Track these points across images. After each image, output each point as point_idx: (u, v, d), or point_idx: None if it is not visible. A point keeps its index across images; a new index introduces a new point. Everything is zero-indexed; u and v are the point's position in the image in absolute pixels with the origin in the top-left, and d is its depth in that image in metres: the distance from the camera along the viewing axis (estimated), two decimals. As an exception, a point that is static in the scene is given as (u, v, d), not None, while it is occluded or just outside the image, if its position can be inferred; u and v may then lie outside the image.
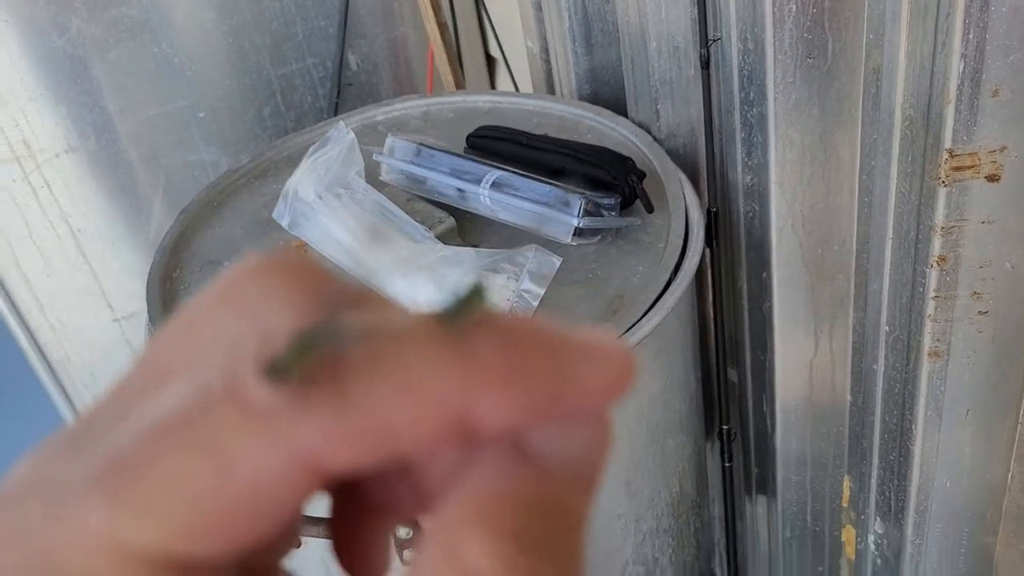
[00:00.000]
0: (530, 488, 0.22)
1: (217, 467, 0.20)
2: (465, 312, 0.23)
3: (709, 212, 0.84)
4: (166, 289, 0.84)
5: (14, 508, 0.21)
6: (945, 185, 0.66)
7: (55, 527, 0.20)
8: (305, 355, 0.21)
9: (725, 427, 0.95)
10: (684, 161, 0.88)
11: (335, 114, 1.16)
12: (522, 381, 0.22)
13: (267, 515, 0.21)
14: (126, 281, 1.15)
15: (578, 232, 0.79)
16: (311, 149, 0.84)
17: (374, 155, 0.88)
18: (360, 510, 0.28)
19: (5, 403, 1.50)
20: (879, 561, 0.92)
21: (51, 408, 1.24)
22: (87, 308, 1.17)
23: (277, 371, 0.20)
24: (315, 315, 0.23)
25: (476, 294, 0.23)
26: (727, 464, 0.97)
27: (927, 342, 0.74)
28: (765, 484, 1.01)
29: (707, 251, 0.87)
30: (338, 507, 0.28)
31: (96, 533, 0.20)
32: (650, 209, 0.82)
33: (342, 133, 0.84)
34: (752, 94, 0.76)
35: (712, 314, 0.93)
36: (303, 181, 0.82)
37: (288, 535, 0.27)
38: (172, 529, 0.20)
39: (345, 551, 0.29)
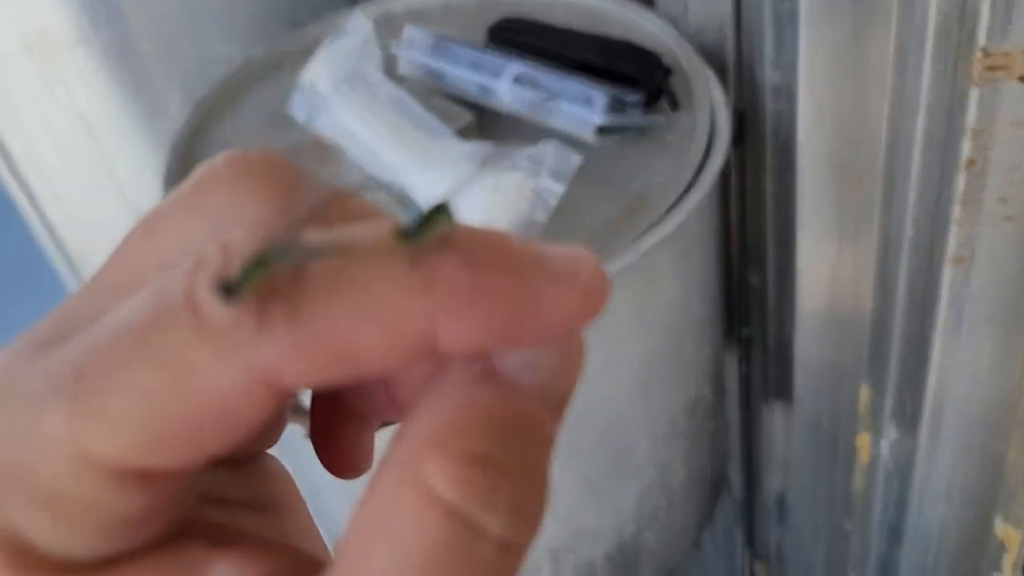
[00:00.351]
0: (493, 408, 0.21)
1: (176, 381, 0.20)
2: (432, 228, 0.21)
3: (736, 111, 0.82)
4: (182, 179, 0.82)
5: None
6: (977, 85, 0.64)
7: (19, 432, 0.20)
8: (258, 274, 0.20)
9: (744, 332, 0.95)
10: (712, 58, 0.86)
11: (352, 4, 1.13)
12: (488, 303, 0.21)
13: (227, 428, 0.21)
14: (143, 176, 1.14)
15: (600, 129, 0.77)
16: (327, 40, 0.82)
17: (392, 47, 0.86)
18: (340, 411, 0.28)
19: (24, 296, 1.50)
20: (892, 467, 0.92)
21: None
22: (104, 203, 1.16)
23: (230, 289, 0.20)
24: (281, 224, 0.22)
25: (443, 210, 0.22)
26: (745, 369, 0.96)
27: (951, 247, 0.73)
28: (782, 390, 1.00)
29: (732, 152, 0.85)
30: (318, 407, 0.28)
31: (58, 441, 0.20)
32: (675, 107, 0.80)
33: (359, 23, 0.82)
34: (784, -10, 0.74)
35: (735, 217, 0.92)
36: (319, 73, 0.80)
37: (267, 431, 0.27)
38: (132, 440, 0.20)
39: (325, 449, 0.29)
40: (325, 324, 0.20)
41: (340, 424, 0.28)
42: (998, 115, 0.65)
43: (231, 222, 0.23)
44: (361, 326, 0.20)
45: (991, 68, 0.63)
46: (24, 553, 0.20)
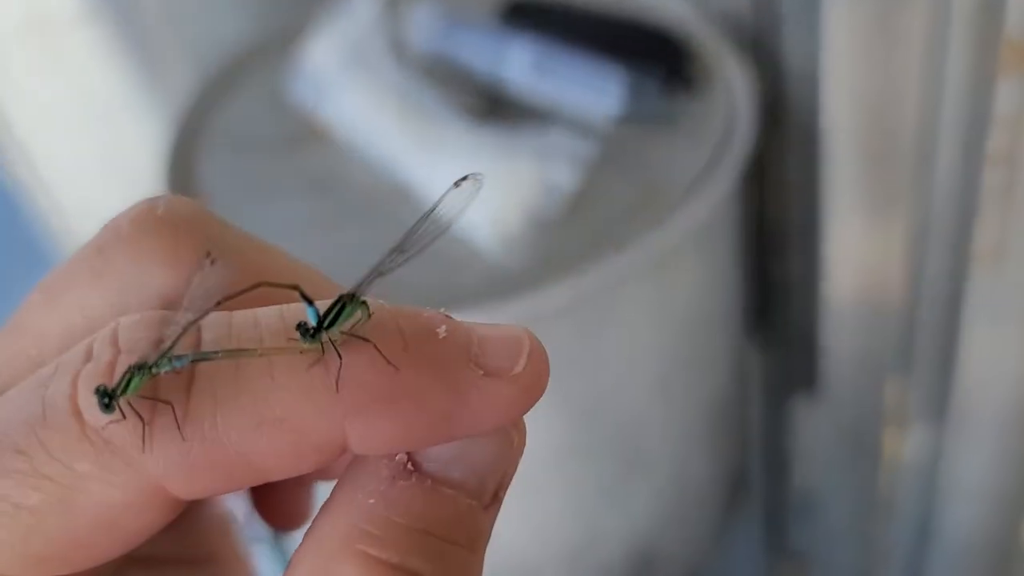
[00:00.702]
0: (414, 509, 0.19)
1: (58, 496, 0.19)
2: (342, 322, 0.20)
3: (761, 96, 0.79)
4: (186, 165, 0.80)
5: None
6: (1006, 74, 0.61)
7: None
8: (140, 381, 0.19)
9: (768, 323, 0.92)
10: (735, 41, 0.82)
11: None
12: (406, 406, 0.19)
13: (119, 538, 0.20)
14: (150, 157, 1.13)
15: (618, 115, 0.74)
16: (334, 19, 0.80)
17: (401, 29, 0.83)
18: None
19: (30, 276, 1.49)
20: (920, 463, 0.90)
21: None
22: (111, 184, 1.14)
23: (110, 396, 0.19)
24: (181, 294, 0.21)
25: (355, 304, 0.20)
26: (768, 363, 0.94)
27: (981, 239, 0.70)
28: (807, 384, 0.98)
29: (757, 139, 0.82)
30: None
31: None
32: (697, 92, 0.77)
33: (368, 3, 0.79)
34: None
35: (758, 205, 0.90)
36: (324, 55, 0.78)
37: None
38: (16, 560, 0.19)
39: (262, 502, 0.27)
40: (214, 435, 0.19)
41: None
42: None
43: (134, 289, 0.22)
44: (257, 436, 0.19)
45: (1020, 58, 0.60)
46: None
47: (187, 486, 0.19)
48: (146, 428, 0.19)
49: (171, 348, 0.19)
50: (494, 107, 0.78)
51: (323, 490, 0.28)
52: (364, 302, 0.20)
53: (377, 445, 0.19)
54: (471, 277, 0.67)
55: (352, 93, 0.76)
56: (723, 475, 0.94)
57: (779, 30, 0.77)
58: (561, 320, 0.68)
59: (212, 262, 0.21)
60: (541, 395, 0.20)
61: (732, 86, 0.78)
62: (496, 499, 0.21)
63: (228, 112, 0.85)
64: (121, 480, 0.19)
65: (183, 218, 0.23)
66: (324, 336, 0.19)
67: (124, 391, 0.19)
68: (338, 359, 0.19)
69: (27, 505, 0.19)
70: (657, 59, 0.77)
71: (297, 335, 0.19)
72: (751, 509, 1.07)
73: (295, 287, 0.21)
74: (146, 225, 0.22)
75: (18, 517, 0.19)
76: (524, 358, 0.20)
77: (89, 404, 0.19)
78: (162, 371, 0.19)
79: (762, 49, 0.79)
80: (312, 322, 0.19)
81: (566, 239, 0.69)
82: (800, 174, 0.84)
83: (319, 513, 0.20)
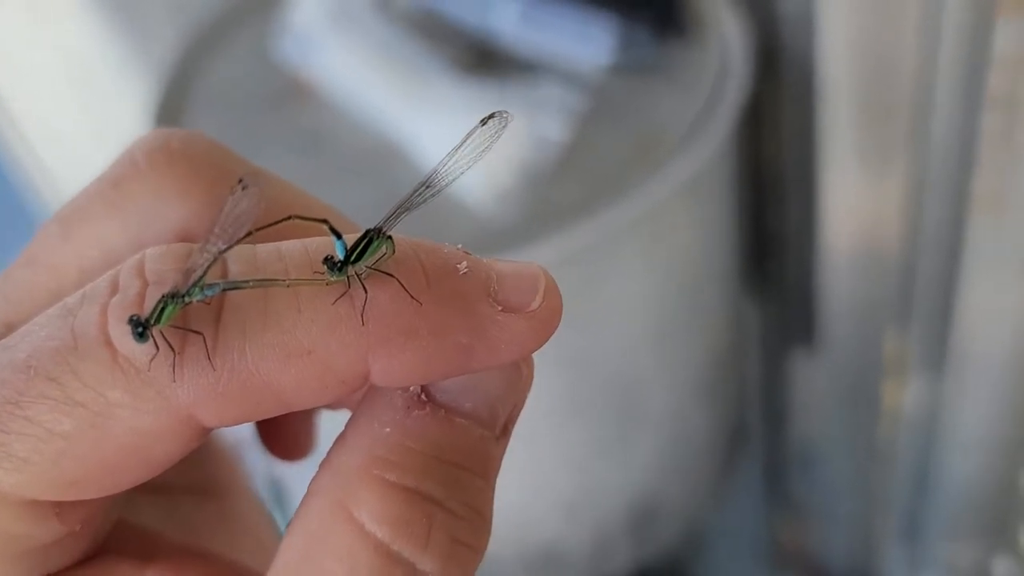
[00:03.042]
0: (429, 436, 0.20)
1: (89, 422, 0.19)
2: (366, 257, 0.20)
3: (754, 42, 0.78)
4: (172, 124, 0.78)
5: None
6: (1005, 15, 0.60)
7: None
8: (172, 311, 0.19)
9: (766, 276, 0.92)
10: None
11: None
12: (427, 340, 0.19)
13: (145, 465, 0.20)
14: (136, 115, 1.12)
15: (609, 65, 0.73)
16: (319, -26, 0.78)
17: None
18: None
19: (16, 236, 1.49)
20: (918, 414, 0.90)
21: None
22: (97, 144, 1.13)
23: (143, 326, 0.19)
24: (204, 229, 0.21)
25: (381, 239, 0.20)
26: (766, 315, 0.93)
27: (980, 188, 0.69)
28: (805, 336, 0.97)
29: (752, 87, 0.81)
30: None
31: None
32: (689, 39, 0.75)
33: (352, -44, 0.78)
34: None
35: (754, 155, 0.89)
36: (312, 10, 0.77)
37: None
38: (42, 480, 0.19)
39: (266, 432, 0.28)
40: (243, 365, 0.19)
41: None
42: (1026, 49, 0.61)
43: (151, 223, 0.22)
44: (284, 366, 0.19)
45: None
46: None
47: (216, 415, 0.19)
48: (176, 358, 0.19)
49: (202, 277, 0.20)
50: (483, 60, 0.77)
51: (327, 421, 0.28)
52: (389, 237, 0.20)
53: (399, 377, 0.20)
54: (462, 231, 0.67)
55: (339, 49, 0.75)
56: (722, 428, 0.94)
57: (772, -25, 0.76)
58: (555, 274, 0.68)
59: (244, 188, 0.21)
60: (554, 330, 0.20)
61: (725, 32, 0.76)
62: (506, 431, 0.21)
63: (214, 70, 0.84)
64: (152, 408, 0.19)
65: (199, 151, 0.23)
66: (350, 270, 0.20)
67: (157, 321, 0.19)
68: (364, 293, 0.19)
69: (59, 431, 0.19)
70: (648, 7, 0.76)
71: (323, 268, 0.20)
72: (751, 462, 1.07)
73: (324, 221, 0.22)
74: (163, 158, 0.22)
75: (51, 442, 0.19)
76: (540, 295, 0.20)
77: (120, 333, 0.19)
78: (194, 300, 0.19)
79: (755, -5, 0.78)
80: (339, 256, 0.20)
81: (558, 192, 0.68)
82: (796, 122, 0.83)
83: (335, 444, 0.20)
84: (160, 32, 1.05)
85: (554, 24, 0.74)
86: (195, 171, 0.23)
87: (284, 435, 0.28)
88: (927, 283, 0.81)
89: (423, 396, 0.20)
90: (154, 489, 0.25)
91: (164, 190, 0.22)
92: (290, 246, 0.20)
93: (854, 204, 0.85)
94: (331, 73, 0.76)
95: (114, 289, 0.20)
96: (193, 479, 0.27)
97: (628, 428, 0.83)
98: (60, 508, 0.20)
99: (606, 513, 0.86)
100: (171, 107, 0.81)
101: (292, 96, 0.78)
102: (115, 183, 0.23)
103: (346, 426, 0.21)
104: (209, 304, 0.19)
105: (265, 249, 0.20)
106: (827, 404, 1.01)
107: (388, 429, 0.20)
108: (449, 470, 0.20)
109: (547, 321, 0.20)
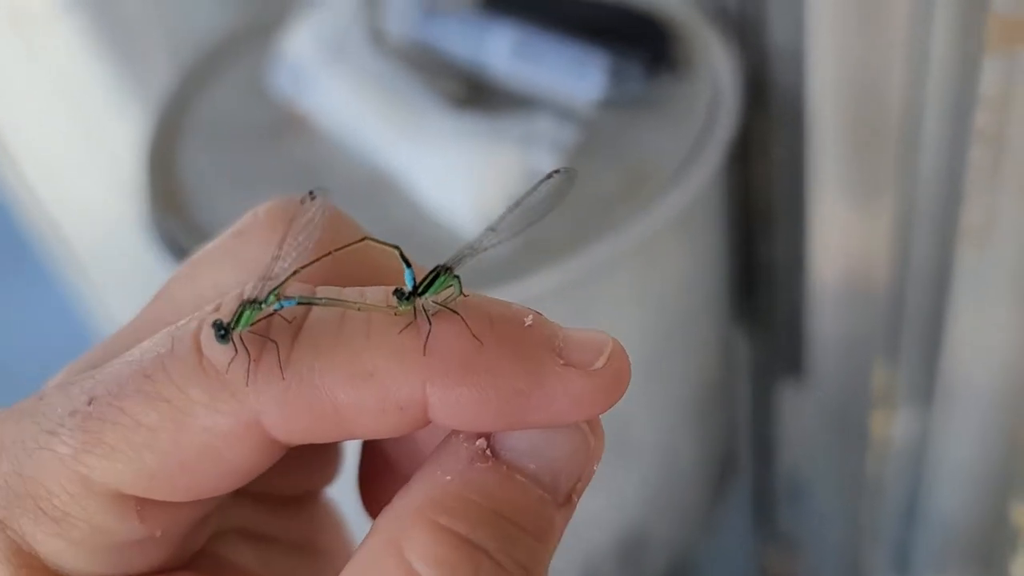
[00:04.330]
0: (486, 490, 0.20)
1: (170, 416, 0.21)
2: (435, 290, 0.21)
3: (745, 78, 0.79)
4: (166, 155, 0.80)
5: (24, 420, 0.22)
6: (992, 53, 0.60)
7: (36, 450, 0.21)
8: (247, 314, 0.21)
9: (755, 308, 0.92)
10: (720, 22, 0.82)
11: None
12: (486, 378, 0.20)
13: (218, 470, 0.21)
14: (130, 147, 1.12)
15: (601, 99, 0.73)
16: (313, 8, 0.79)
17: (380, 17, 0.82)
18: (383, 460, 0.27)
19: (12, 267, 1.48)
20: (906, 446, 0.90)
21: (58, 281, 1.21)
22: (93, 177, 1.13)
23: (225, 329, 0.21)
24: (311, 279, 0.23)
25: (449, 276, 0.22)
26: (755, 347, 0.94)
27: (967, 221, 0.69)
28: (794, 367, 0.98)
29: (741, 120, 0.82)
30: (366, 454, 0.28)
31: (64, 462, 0.21)
32: (680, 74, 0.76)
33: (346, -10, 0.79)
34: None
35: (743, 188, 0.89)
36: (303, 44, 0.77)
37: (320, 468, 0.28)
38: (127, 470, 0.21)
39: (368, 494, 0.28)
40: (310, 380, 0.20)
41: (382, 473, 0.28)
42: (1015, 85, 0.62)
43: (261, 271, 0.23)
44: (346, 385, 0.20)
45: (1006, 35, 0.60)
46: (29, 561, 0.21)
47: (280, 424, 0.21)
48: (252, 364, 0.21)
49: (279, 286, 0.22)
50: (475, 94, 0.78)
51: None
52: (457, 276, 0.22)
53: (456, 414, 0.20)
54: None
55: (332, 82, 0.75)
56: (711, 459, 0.94)
57: (763, 10, 0.77)
58: (546, 306, 0.68)
59: (312, 198, 0.24)
60: (619, 397, 0.21)
61: (716, 68, 0.77)
62: (570, 501, 0.22)
63: (208, 102, 0.84)
64: (226, 409, 0.20)
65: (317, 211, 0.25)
66: (417, 302, 0.21)
67: (236, 324, 0.21)
68: (428, 326, 0.20)
69: (146, 422, 0.21)
70: (639, 42, 0.76)
71: (393, 302, 0.21)
72: (739, 493, 1.07)
73: (396, 247, 0.23)
74: (280, 214, 0.24)
75: (137, 432, 0.21)
76: (605, 356, 0.21)
77: (209, 341, 0.21)
78: (271, 307, 0.21)
79: (746, 30, 0.78)
80: (408, 286, 0.21)
81: (550, 225, 0.68)
82: (785, 156, 0.84)
83: (401, 489, 0.21)
84: (155, 63, 1.06)
85: (546, 59, 0.75)
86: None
87: (383, 499, 0.29)
88: (915, 315, 0.81)
89: (488, 451, 0.21)
90: (259, 536, 0.27)
91: (275, 241, 0.24)
92: (374, 290, 0.22)
93: (843, 237, 0.85)
94: (325, 106, 0.76)
95: (216, 311, 0.22)
96: (298, 535, 0.28)
97: (617, 458, 0.83)
98: (142, 507, 0.21)
99: (595, 543, 0.86)
100: (165, 138, 0.81)
101: (286, 128, 0.78)
102: (237, 233, 0.25)
103: (413, 475, 0.21)
104: (291, 321, 0.21)
105: (350, 290, 0.22)
106: (816, 435, 1.01)
107: (449, 477, 0.21)
108: (503, 525, 0.20)
109: (610, 383, 0.21)
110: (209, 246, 0.25)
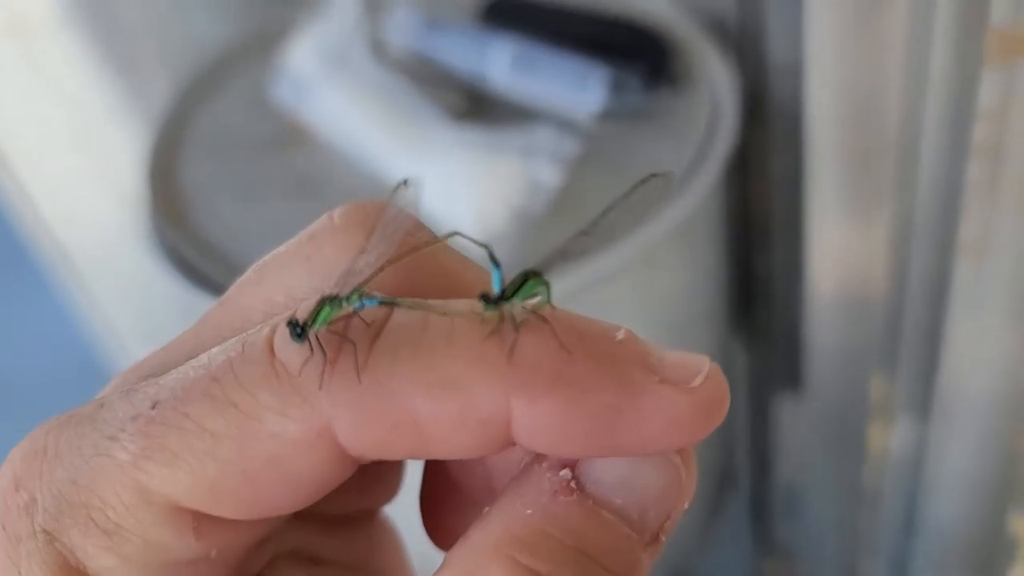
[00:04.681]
0: (570, 525, 0.19)
1: (237, 421, 0.19)
2: (523, 295, 0.20)
3: (743, 91, 0.79)
4: (167, 168, 0.80)
5: (83, 426, 0.21)
6: (990, 66, 0.61)
7: (93, 457, 0.20)
8: (325, 312, 0.20)
9: (753, 320, 0.92)
10: (718, 36, 0.82)
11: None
12: (575, 392, 0.18)
13: (285, 483, 0.20)
14: (131, 160, 1.12)
15: (601, 112, 0.74)
16: (313, 20, 0.79)
17: (382, 29, 0.82)
18: (448, 484, 0.26)
19: (11, 280, 1.48)
20: (904, 457, 0.90)
21: (58, 292, 1.21)
22: (92, 188, 1.13)
23: (301, 328, 0.20)
24: (384, 285, 0.22)
25: (538, 281, 0.20)
26: (753, 359, 0.94)
27: (965, 235, 0.69)
28: (792, 379, 0.98)
29: (740, 134, 0.82)
30: (429, 476, 0.26)
31: (122, 470, 0.20)
32: (680, 88, 0.76)
33: (347, 3, 0.79)
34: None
35: (742, 201, 0.89)
36: (304, 56, 0.77)
37: (382, 484, 0.26)
38: (189, 479, 0.20)
39: (431, 519, 0.26)
40: (388, 385, 0.19)
41: (447, 497, 0.26)
42: (1013, 98, 0.62)
43: (335, 273, 0.22)
44: (426, 392, 0.19)
45: (1004, 48, 0.60)
46: (76, 574, 0.20)
47: (354, 432, 0.19)
48: (327, 366, 0.19)
49: (364, 284, 0.20)
50: (476, 106, 0.78)
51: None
52: (546, 282, 0.20)
53: (540, 432, 0.19)
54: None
55: (333, 94, 0.76)
56: (709, 471, 0.94)
57: (762, 24, 0.77)
58: (546, 318, 0.68)
59: (406, 187, 0.23)
60: (717, 421, 0.19)
61: (715, 81, 0.77)
62: (657, 539, 0.20)
63: (209, 115, 0.84)
64: (296, 414, 0.19)
65: (389, 214, 0.24)
66: (504, 308, 0.19)
67: (313, 322, 0.20)
68: (514, 333, 0.19)
69: (211, 428, 0.19)
70: (639, 55, 0.76)
71: (479, 307, 0.20)
72: (737, 506, 1.07)
73: (486, 245, 0.22)
74: (356, 218, 0.23)
75: (201, 438, 0.19)
76: (703, 375, 0.19)
77: (283, 342, 0.20)
78: (351, 306, 0.20)
79: (745, 44, 0.79)
80: (496, 290, 0.20)
81: (550, 236, 0.69)
82: (783, 169, 0.84)
83: (477, 521, 0.20)
84: (155, 74, 1.06)
85: (547, 71, 0.75)
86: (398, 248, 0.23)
87: (446, 524, 0.26)
88: (913, 328, 0.81)
89: (573, 483, 0.19)
90: (313, 558, 0.25)
91: (351, 246, 0.23)
92: (459, 300, 0.21)
93: (840, 249, 0.85)
94: (326, 118, 0.76)
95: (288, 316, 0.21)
96: (355, 557, 0.26)
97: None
98: (199, 523, 0.20)
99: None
100: (166, 148, 0.81)
101: (287, 139, 0.79)
102: (311, 236, 0.23)
103: (492, 505, 0.20)
104: (370, 325, 0.20)
105: (435, 301, 0.21)
106: (813, 447, 1.01)
107: (530, 511, 0.19)
108: (586, 564, 0.19)
109: (710, 404, 0.19)
110: (278, 250, 0.24)
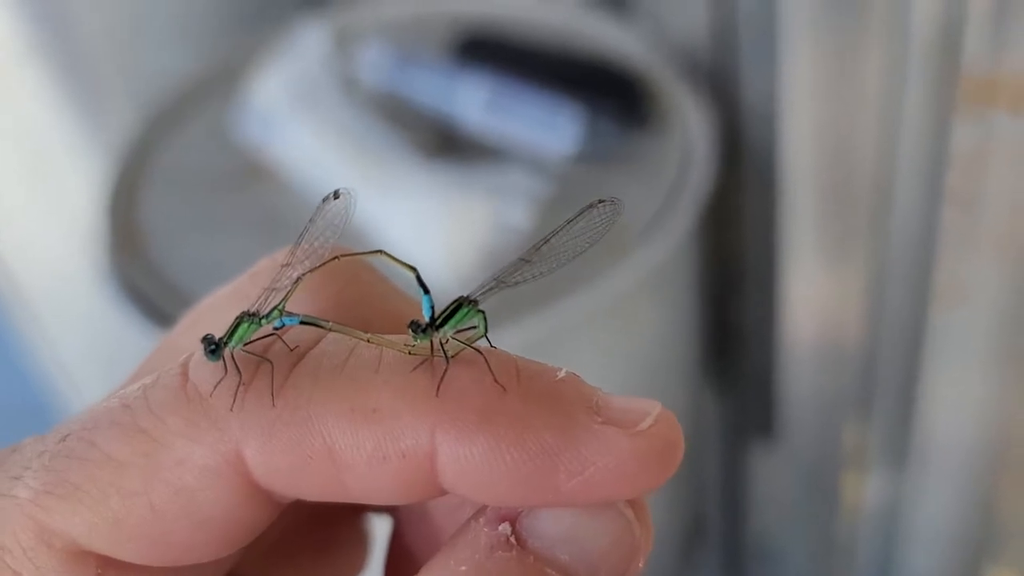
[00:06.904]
0: None
1: (145, 452, 0.18)
2: (455, 325, 0.19)
3: (718, 134, 0.79)
4: (128, 203, 0.78)
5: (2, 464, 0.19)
6: (963, 113, 0.60)
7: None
8: (242, 328, 0.19)
9: (726, 367, 0.91)
10: (693, 78, 0.82)
11: (315, 10, 1.08)
12: (502, 430, 0.17)
13: (199, 522, 0.18)
14: (91, 194, 1.10)
15: (573, 153, 0.73)
16: (282, 54, 0.78)
17: (353, 65, 0.81)
18: (403, 556, 0.25)
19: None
20: (879, 508, 0.89)
21: (11, 332, 1.19)
22: (50, 223, 1.12)
23: (216, 345, 0.19)
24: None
25: (472, 310, 0.19)
26: (726, 406, 0.93)
27: (940, 282, 0.69)
28: (765, 427, 0.97)
29: (714, 177, 0.81)
30: (391, 550, 0.25)
31: (21, 511, 0.18)
32: (653, 130, 0.76)
33: (317, 37, 0.78)
34: (766, 4, 0.70)
35: (717, 246, 0.89)
36: (273, 89, 0.76)
37: (343, 559, 0.25)
38: (94, 518, 0.18)
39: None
40: (304, 410, 0.18)
41: (406, 569, 0.24)
42: (986, 146, 0.62)
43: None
44: (344, 421, 0.17)
45: (978, 96, 0.60)
46: None
47: (264, 460, 0.18)
48: (241, 388, 0.18)
49: (282, 302, 0.19)
50: (447, 145, 0.77)
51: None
52: (482, 311, 0.19)
53: (468, 474, 0.17)
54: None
55: (301, 130, 0.74)
56: (680, 522, 0.92)
57: (737, 68, 0.77)
58: (515, 363, 0.67)
59: (336, 197, 0.22)
60: (669, 471, 0.18)
61: (689, 124, 0.77)
62: None
63: (171, 149, 0.82)
64: (203, 437, 0.18)
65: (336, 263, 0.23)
66: (435, 336, 0.18)
67: (229, 339, 0.19)
68: (445, 364, 0.18)
69: (116, 456, 0.18)
70: (612, 96, 0.76)
71: (408, 336, 0.19)
72: (709, 555, 1.06)
73: (412, 268, 0.21)
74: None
75: (105, 467, 0.18)
76: (652, 419, 0.18)
77: (198, 364, 0.19)
78: (272, 324, 0.19)
79: (719, 87, 0.79)
80: (426, 318, 0.19)
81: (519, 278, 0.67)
82: (758, 214, 0.83)
83: None
84: (117, 110, 1.04)
85: (519, 111, 0.74)
86: (329, 273, 0.22)
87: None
88: (888, 376, 0.81)
89: (512, 538, 0.18)
90: None
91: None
92: (392, 337, 0.20)
93: (815, 295, 0.85)
94: (292, 154, 0.75)
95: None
96: None
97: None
98: (104, 569, 0.19)
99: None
100: (127, 183, 0.79)
101: (251, 176, 0.77)
102: (251, 275, 0.22)
103: (427, 563, 0.18)
104: (294, 349, 0.19)
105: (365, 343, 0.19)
106: (787, 497, 1.00)
107: (464, 568, 0.17)
108: None
109: (659, 449, 0.18)
110: (219, 290, 0.23)
